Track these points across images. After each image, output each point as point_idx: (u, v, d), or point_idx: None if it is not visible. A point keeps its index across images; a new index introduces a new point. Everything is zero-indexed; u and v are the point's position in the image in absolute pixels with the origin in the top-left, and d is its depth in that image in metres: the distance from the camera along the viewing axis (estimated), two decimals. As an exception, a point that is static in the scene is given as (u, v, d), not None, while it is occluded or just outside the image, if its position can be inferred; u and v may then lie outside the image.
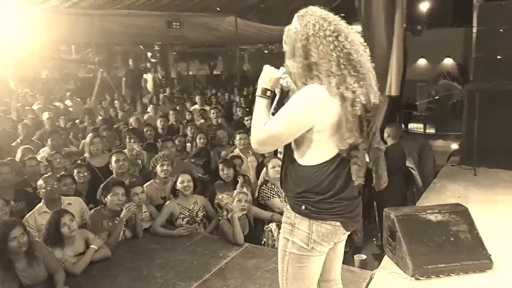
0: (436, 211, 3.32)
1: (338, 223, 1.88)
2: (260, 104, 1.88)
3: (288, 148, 1.93)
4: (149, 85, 12.52)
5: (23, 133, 6.04)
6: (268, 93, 1.89)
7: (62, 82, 15.19)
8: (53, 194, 3.73)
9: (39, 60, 14.29)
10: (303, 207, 1.86)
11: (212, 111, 7.55)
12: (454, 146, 8.70)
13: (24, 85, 13.08)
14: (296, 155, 1.89)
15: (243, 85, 14.20)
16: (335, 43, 1.75)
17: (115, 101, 10.11)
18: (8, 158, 4.87)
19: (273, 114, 1.89)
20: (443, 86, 13.52)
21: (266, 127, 1.78)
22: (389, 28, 6.88)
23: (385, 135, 5.52)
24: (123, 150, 5.00)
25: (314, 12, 1.82)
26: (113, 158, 4.41)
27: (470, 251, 3.16)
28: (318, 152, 1.83)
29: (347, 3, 8.41)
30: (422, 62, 15.53)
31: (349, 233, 2.01)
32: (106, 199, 3.69)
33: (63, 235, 3.26)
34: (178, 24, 12.67)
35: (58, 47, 14.99)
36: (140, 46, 16.18)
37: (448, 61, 15.16)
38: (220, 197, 4.35)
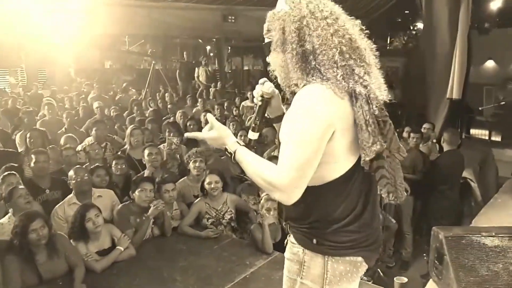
0: (493, 234, 2.88)
1: (360, 259, 1.50)
2: (244, 154, 1.46)
3: None
4: (202, 79, 12.50)
5: (67, 121, 6.13)
6: (241, 141, 1.50)
7: (121, 73, 15.65)
8: (83, 186, 3.67)
9: (101, 51, 14.81)
10: (315, 240, 1.49)
11: (259, 107, 7.32)
12: (523, 156, 7.94)
13: (83, 75, 13.59)
14: None
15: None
16: (335, 27, 1.38)
17: (166, 94, 10.18)
18: (50, 146, 4.94)
19: (253, 128, 1.56)
20: (512, 91, 12.49)
21: (283, 168, 1.35)
22: (453, 26, 6.33)
23: (442, 140, 5.09)
24: (161, 144, 4.92)
25: None
26: (146, 152, 4.33)
27: (532, 285, 2.72)
28: (329, 167, 1.43)
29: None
30: (490, 64, 14.43)
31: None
32: (134, 194, 3.59)
33: (87, 230, 3.18)
34: (233, 18, 12.58)
35: (121, 38, 15.44)
36: (199, 40, 16.26)
37: (521, 64, 14.00)
38: (246, 199, 4.14)
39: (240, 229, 3.96)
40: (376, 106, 1.38)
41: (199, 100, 9.26)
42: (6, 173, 3.70)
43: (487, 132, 11.05)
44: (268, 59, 1.53)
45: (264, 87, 1.58)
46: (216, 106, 7.65)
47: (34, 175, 4.02)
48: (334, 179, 1.44)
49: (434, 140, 6.12)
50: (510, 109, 11.64)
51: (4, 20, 8.85)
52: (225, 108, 7.91)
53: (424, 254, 5.05)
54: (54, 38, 10.01)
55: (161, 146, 5.27)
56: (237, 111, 7.94)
